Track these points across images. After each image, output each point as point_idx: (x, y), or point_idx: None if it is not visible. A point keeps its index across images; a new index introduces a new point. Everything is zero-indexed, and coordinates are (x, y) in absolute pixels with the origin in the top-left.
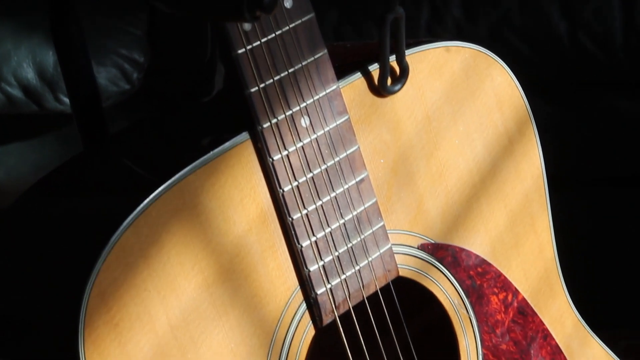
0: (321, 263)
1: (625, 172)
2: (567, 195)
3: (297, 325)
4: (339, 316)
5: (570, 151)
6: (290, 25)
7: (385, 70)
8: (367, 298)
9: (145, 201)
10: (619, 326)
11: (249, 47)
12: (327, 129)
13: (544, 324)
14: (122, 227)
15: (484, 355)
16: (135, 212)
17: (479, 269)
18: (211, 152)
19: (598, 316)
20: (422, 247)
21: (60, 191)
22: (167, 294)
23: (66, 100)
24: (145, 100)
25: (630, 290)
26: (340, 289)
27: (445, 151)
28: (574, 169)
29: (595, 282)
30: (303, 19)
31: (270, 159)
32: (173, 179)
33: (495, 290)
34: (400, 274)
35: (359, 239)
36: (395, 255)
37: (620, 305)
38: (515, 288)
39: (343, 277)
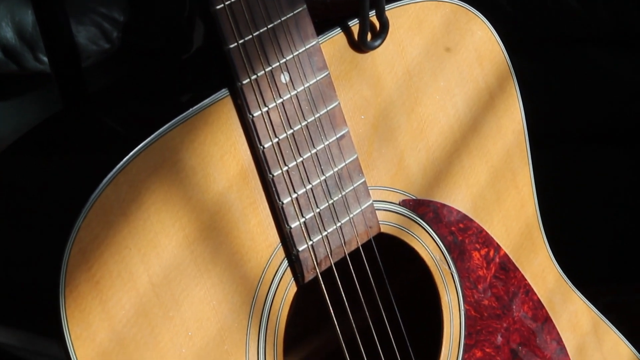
0: (302, 220)
1: (607, 128)
2: (549, 152)
3: (279, 282)
4: (320, 273)
5: (552, 108)
6: None
7: (365, 25)
8: (348, 255)
9: (125, 158)
10: (602, 283)
11: (227, 2)
12: (307, 85)
13: (525, 279)
14: (101, 185)
15: (466, 311)
16: (114, 169)
17: (461, 225)
18: (190, 109)
19: (581, 273)
20: (404, 204)
21: (40, 150)
22: (148, 252)
23: (46, 59)
24: (124, 59)
25: (612, 247)
26: (322, 246)
27: (426, 107)
28: (556, 125)
29: (578, 239)
30: None
31: (250, 116)
32: (152, 136)
33: (477, 246)
34: (382, 230)
35: (340, 196)
36: (376, 211)
37: (602, 262)
38: (497, 243)
39: (324, 233)
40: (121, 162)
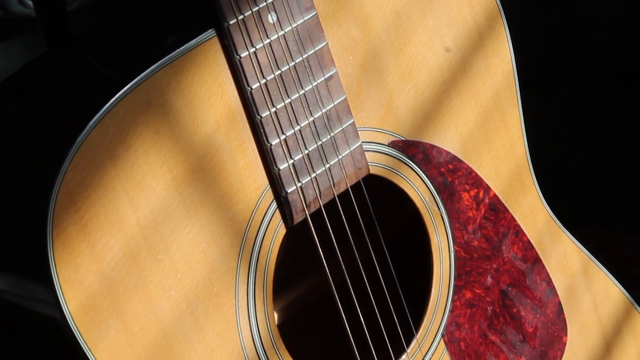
0: (291, 161)
1: (597, 70)
2: (541, 93)
3: (268, 224)
4: (310, 215)
5: (543, 49)
6: None
7: None
8: (338, 196)
9: (112, 100)
10: (592, 224)
11: None
12: (294, 25)
13: (515, 220)
14: (88, 127)
15: (455, 252)
16: (101, 111)
17: (450, 166)
18: (177, 50)
19: (571, 215)
20: (393, 145)
21: (25, 93)
22: (136, 194)
23: (31, 3)
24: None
25: (602, 189)
26: (311, 187)
27: (414, 47)
28: (547, 67)
29: (569, 181)
30: None
31: (238, 56)
32: (139, 77)
33: (467, 186)
34: (371, 171)
35: (328, 137)
36: (365, 152)
37: (593, 204)
38: (487, 184)
39: (313, 175)
40: (108, 104)
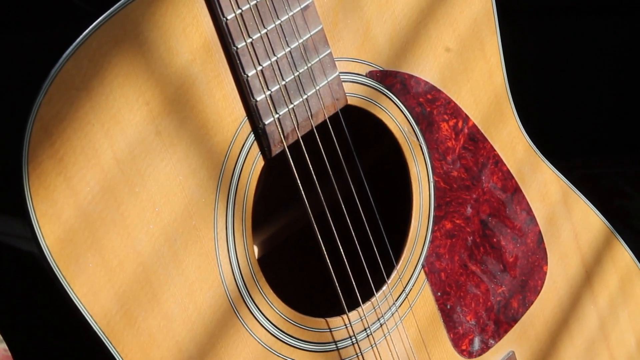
0: (268, 92)
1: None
2: (520, 23)
3: (246, 156)
4: (288, 146)
5: None
6: None
7: None
8: (316, 128)
9: (85, 32)
10: (574, 156)
11: None
12: None
13: (494, 150)
14: (62, 59)
15: (435, 182)
16: (74, 43)
17: (429, 96)
18: None
19: (553, 146)
20: (371, 75)
21: None
22: (111, 127)
23: None
24: None
25: (584, 120)
26: (289, 119)
27: None
28: None
29: (549, 113)
30: None
31: None
32: (112, 9)
33: (445, 117)
34: (349, 102)
35: (305, 67)
36: (343, 83)
37: (574, 135)
38: (466, 114)
39: (291, 106)
40: (81, 36)
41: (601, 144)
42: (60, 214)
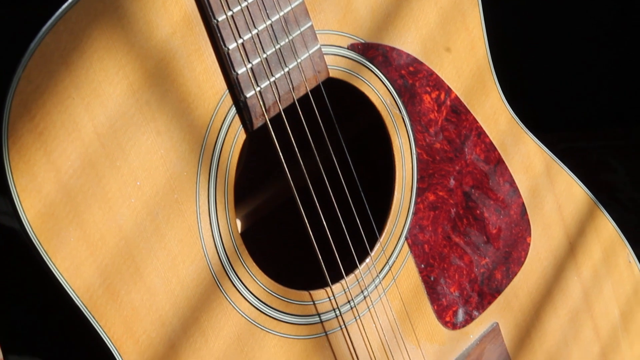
0: (249, 66)
1: None
2: None
3: (228, 130)
4: (270, 120)
5: None
6: None
7: None
8: (298, 101)
9: (64, 6)
10: (558, 129)
11: None
12: None
13: (477, 122)
14: (40, 34)
15: (417, 154)
16: (53, 17)
17: (411, 68)
18: None
19: (537, 120)
20: (352, 47)
21: None
22: (92, 101)
23: None
24: None
25: (568, 93)
26: (270, 92)
27: None
28: None
29: (533, 86)
30: None
31: None
32: None
33: (428, 89)
34: (331, 75)
35: (287, 40)
36: (324, 56)
37: (558, 109)
38: (448, 86)
39: (272, 79)
40: (60, 10)
41: (586, 117)
42: (41, 188)
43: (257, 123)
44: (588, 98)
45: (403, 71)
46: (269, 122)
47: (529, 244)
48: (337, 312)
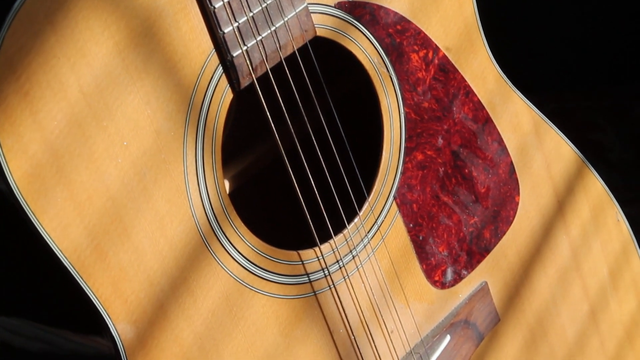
0: (235, 24)
1: None
2: None
3: (215, 89)
4: (257, 79)
5: None
6: None
7: None
8: (285, 60)
9: None
10: (547, 90)
11: None
12: None
13: (465, 81)
14: None
15: (405, 114)
16: None
17: (398, 27)
18: None
19: (526, 80)
20: (339, 6)
21: None
22: (78, 61)
23: None
24: None
25: (557, 53)
26: (257, 51)
27: None
28: None
29: (522, 47)
30: None
31: None
32: None
33: (416, 47)
34: (318, 34)
35: None
36: (311, 14)
37: (547, 69)
38: (436, 45)
39: (259, 38)
40: None
41: (575, 77)
42: (27, 148)
43: (244, 82)
44: (577, 58)
45: (390, 30)
46: (256, 82)
47: (517, 203)
48: (326, 271)
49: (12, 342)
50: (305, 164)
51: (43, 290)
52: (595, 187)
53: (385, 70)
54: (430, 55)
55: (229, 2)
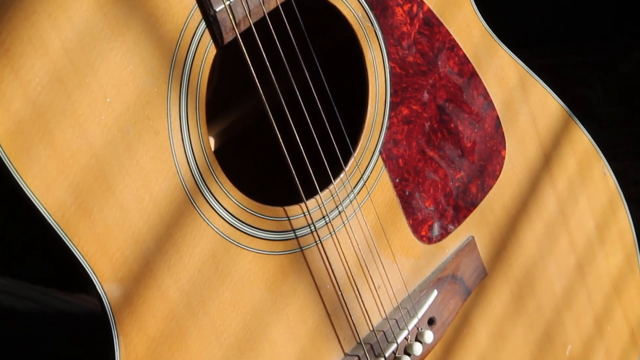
0: None
1: None
2: None
3: (198, 45)
4: (240, 34)
5: None
6: None
7: None
8: (268, 15)
9: None
10: (534, 45)
11: None
12: None
13: (450, 35)
14: None
15: (390, 68)
16: None
17: None
18: None
19: (512, 36)
20: None
21: None
22: (59, 16)
23: None
24: None
25: (544, 8)
26: (240, 5)
27: None
28: None
29: (509, 1)
30: None
31: None
32: None
33: (400, 1)
34: None
35: None
36: None
37: (534, 24)
38: None
39: None
40: None
41: (561, 32)
42: (9, 105)
43: (228, 38)
44: (564, 14)
45: None
46: (239, 36)
47: (503, 157)
48: (312, 227)
49: (1, 302)
50: (291, 120)
51: (30, 249)
52: (581, 141)
53: (369, 25)
54: (414, 9)
55: None
